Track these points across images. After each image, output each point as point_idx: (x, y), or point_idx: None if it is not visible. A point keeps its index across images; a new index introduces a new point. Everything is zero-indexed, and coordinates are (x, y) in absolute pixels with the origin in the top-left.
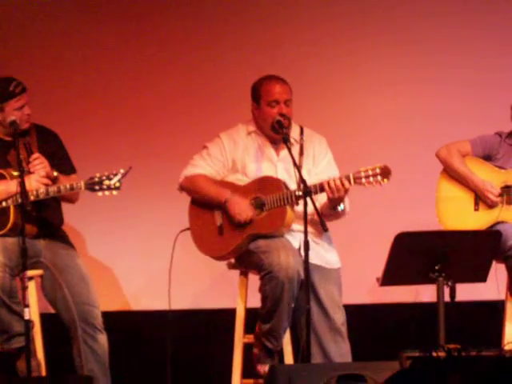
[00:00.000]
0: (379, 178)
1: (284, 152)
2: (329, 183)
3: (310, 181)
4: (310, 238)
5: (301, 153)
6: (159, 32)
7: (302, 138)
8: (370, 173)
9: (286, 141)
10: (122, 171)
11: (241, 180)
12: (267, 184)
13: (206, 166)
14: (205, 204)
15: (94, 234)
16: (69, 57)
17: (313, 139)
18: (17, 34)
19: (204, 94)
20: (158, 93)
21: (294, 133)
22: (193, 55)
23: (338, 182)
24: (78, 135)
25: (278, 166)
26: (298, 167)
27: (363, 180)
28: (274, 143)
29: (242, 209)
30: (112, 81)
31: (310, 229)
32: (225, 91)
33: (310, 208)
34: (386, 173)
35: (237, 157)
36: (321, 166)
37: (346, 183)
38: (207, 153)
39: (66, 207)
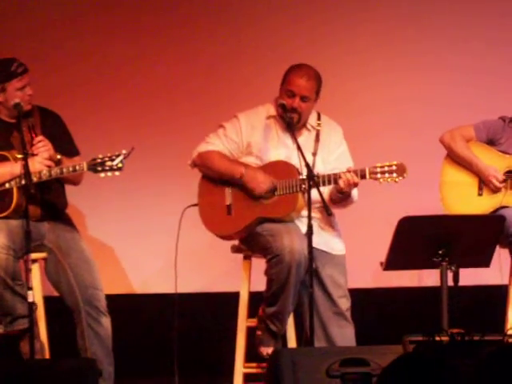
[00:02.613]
0: (394, 175)
1: (301, 139)
2: (342, 177)
3: (324, 169)
4: (316, 223)
5: (316, 140)
6: (166, 17)
7: (319, 125)
8: (386, 169)
9: (289, 125)
10: (124, 152)
11: (254, 163)
12: (281, 169)
13: (220, 144)
14: (216, 181)
15: (98, 216)
16: (73, 39)
17: (330, 128)
18: (21, 17)
19: (208, 76)
20: (160, 74)
21: (312, 119)
22: (198, 41)
23: (351, 177)
24: (80, 117)
25: (293, 152)
26: (302, 151)
27: (378, 175)
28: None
29: (261, 180)
30: (115, 62)
31: (317, 215)
32: (231, 75)
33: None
34: (401, 170)
35: (252, 140)
36: (334, 156)
37: (358, 179)
38: (223, 133)
39: (68, 190)
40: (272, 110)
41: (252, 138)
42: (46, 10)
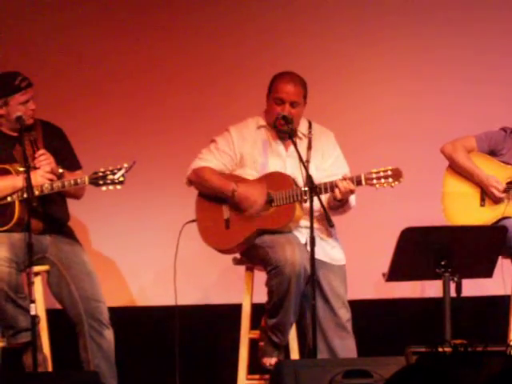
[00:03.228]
0: (390, 180)
1: (293, 147)
2: (338, 185)
3: (318, 177)
4: (316, 233)
5: (309, 147)
6: (166, 26)
7: (310, 132)
8: (382, 174)
9: (290, 136)
10: (125, 165)
11: (249, 175)
12: (276, 180)
13: (213, 159)
14: (212, 197)
15: (100, 229)
16: (75, 51)
17: (321, 134)
18: (22, 29)
19: (210, 88)
20: (162, 87)
21: (302, 127)
22: (199, 50)
23: (347, 184)
24: (82, 130)
25: (287, 161)
26: (304, 163)
27: (374, 181)
28: (283, 138)
29: (253, 201)
30: (116, 75)
31: (316, 225)
32: (232, 86)
33: (318, 204)
34: (397, 175)
35: (245, 151)
36: (329, 162)
37: (354, 186)
38: (215, 147)
39: (70, 203)
40: (262, 121)
41: (244, 150)
42: (47, 22)
